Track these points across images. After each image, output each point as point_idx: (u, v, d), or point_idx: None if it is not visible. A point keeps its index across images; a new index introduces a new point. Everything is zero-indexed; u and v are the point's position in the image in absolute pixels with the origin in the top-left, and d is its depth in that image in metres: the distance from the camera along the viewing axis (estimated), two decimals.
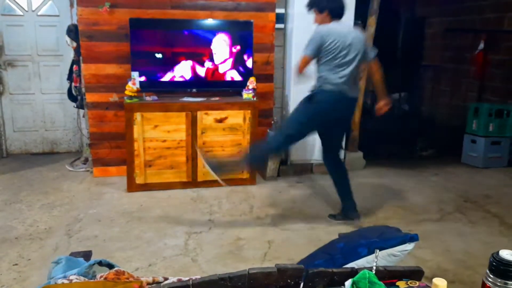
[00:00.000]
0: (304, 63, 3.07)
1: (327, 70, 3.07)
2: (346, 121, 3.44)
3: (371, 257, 1.35)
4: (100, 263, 1.54)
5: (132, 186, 3.93)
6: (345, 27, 3.20)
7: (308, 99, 3.15)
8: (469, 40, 6.16)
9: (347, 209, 3.38)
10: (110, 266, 1.54)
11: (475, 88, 6.02)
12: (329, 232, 3.16)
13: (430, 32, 7.15)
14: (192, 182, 4.05)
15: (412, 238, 1.44)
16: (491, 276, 1.03)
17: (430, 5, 7.01)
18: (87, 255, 1.90)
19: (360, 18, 4.77)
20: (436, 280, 1.01)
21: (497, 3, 5.66)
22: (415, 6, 7.38)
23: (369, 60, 3.23)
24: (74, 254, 1.88)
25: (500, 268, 1.02)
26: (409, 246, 1.42)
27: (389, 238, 1.44)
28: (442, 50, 6.73)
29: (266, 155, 3.68)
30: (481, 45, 5.66)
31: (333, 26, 3.08)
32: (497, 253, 1.05)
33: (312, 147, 4.56)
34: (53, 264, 1.58)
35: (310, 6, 3.18)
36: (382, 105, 3.30)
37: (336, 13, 3.11)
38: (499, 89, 5.66)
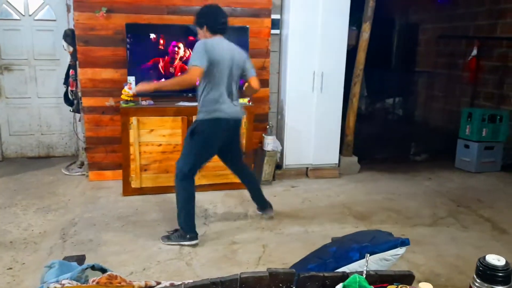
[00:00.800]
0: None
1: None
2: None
3: (363, 261, 1.37)
4: (93, 268, 1.55)
5: (128, 190, 3.94)
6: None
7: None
8: (462, 46, 6.24)
9: (265, 208, 3.49)
10: (103, 270, 1.55)
11: (468, 94, 6.09)
12: (323, 236, 3.19)
13: (423, 38, 7.23)
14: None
15: (404, 242, 1.46)
16: (477, 280, 1.06)
17: (424, 11, 7.08)
18: (80, 259, 1.90)
19: (355, 24, 4.82)
20: (422, 285, 1.04)
21: (490, 10, 5.74)
22: (408, 12, 7.46)
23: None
24: (68, 259, 1.89)
25: (486, 273, 1.05)
26: (400, 251, 1.45)
27: (380, 242, 1.46)
28: (436, 56, 6.80)
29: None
30: (474, 51, 5.72)
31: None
32: (484, 257, 1.07)
33: (307, 151, 4.59)
34: (46, 268, 1.58)
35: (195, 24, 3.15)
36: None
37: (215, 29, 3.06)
38: (492, 95, 5.72)
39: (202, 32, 3.09)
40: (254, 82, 3.19)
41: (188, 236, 3.01)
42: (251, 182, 3.45)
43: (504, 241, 3.20)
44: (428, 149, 5.58)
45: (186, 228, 3.02)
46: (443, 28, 6.64)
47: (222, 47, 3.00)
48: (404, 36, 7.47)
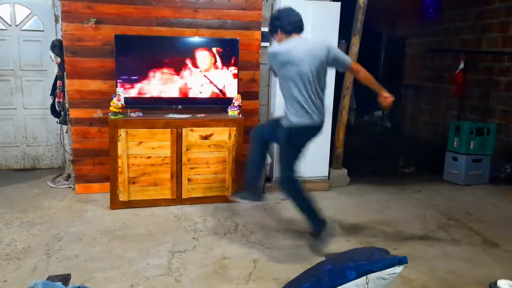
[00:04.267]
0: None
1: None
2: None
3: (359, 280, 1.34)
4: None
5: (115, 203, 3.87)
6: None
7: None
8: (448, 60, 6.34)
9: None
10: None
11: (455, 107, 6.17)
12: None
13: (410, 52, 7.33)
14: (177, 199, 4.00)
15: (401, 260, 1.44)
16: None
17: (410, 26, 7.20)
18: (65, 278, 1.84)
19: (344, 38, 4.86)
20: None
21: (475, 25, 5.85)
22: (395, 27, 7.57)
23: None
24: (52, 278, 1.82)
25: None
26: (398, 269, 1.42)
27: (377, 260, 1.43)
28: (422, 69, 6.90)
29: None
30: (461, 65, 5.82)
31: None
32: (495, 283, 1.05)
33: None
34: None
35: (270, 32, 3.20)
36: (383, 98, 3.25)
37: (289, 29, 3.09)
38: (478, 108, 5.81)
39: (276, 37, 3.13)
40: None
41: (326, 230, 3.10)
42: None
43: (495, 255, 3.20)
44: (416, 162, 5.61)
45: (318, 226, 3.12)
46: (429, 42, 6.75)
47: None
48: (391, 49, 7.57)
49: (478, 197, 4.60)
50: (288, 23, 3.05)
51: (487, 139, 5.09)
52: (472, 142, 5.03)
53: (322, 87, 3.09)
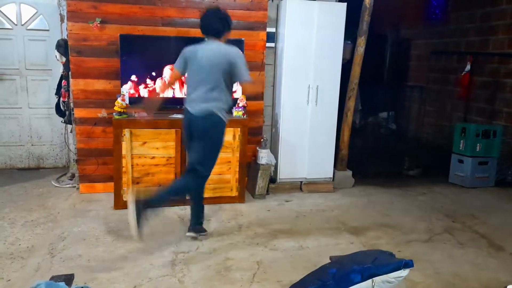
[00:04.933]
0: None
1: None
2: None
3: (364, 284, 1.33)
4: None
5: (119, 204, 3.86)
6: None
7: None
8: (453, 62, 6.30)
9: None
10: None
11: (460, 109, 6.13)
12: (319, 252, 3.15)
13: (415, 53, 7.29)
14: (180, 200, 3.99)
15: (407, 264, 1.42)
16: None
17: (415, 27, 7.16)
18: (68, 278, 1.83)
19: (350, 39, 4.84)
20: None
21: (481, 26, 5.81)
22: (401, 28, 7.54)
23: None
24: (55, 278, 1.81)
25: None
26: (403, 273, 1.40)
27: (383, 264, 1.42)
28: (428, 71, 6.86)
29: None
30: (468, 67, 5.78)
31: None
32: None
33: (301, 165, 4.55)
34: None
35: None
36: None
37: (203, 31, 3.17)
38: (484, 110, 5.76)
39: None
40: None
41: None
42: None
43: (501, 258, 3.17)
44: (421, 164, 5.58)
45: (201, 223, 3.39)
46: (434, 44, 6.71)
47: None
48: (396, 51, 7.53)
49: (484, 200, 4.57)
50: (201, 25, 3.15)
51: (493, 141, 5.05)
52: (478, 144, 4.99)
53: (216, 86, 3.06)
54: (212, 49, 3.08)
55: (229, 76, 3.07)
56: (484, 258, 3.17)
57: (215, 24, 3.09)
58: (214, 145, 3.13)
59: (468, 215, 4.07)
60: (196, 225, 3.35)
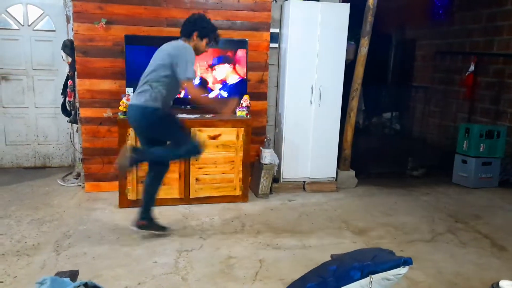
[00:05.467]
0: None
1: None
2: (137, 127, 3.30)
3: (364, 281, 1.35)
4: (86, 285, 1.52)
5: (124, 202, 3.90)
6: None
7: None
8: (458, 62, 6.29)
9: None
10: None
11: (465, 109, 6.12)
12: (321, 251, 3.16)
13: (420, 54, 7.28)
14: (184, 199, 4.03)
15: (406, 262, 1.43)
16: None
17: (420, 27, 7.15)
18: (73, 274, 1.85)
19: (353, 39, 4.85)
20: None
21: (486, 27, 5.80)
22: (405, 28, 7.53)
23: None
24: (60, 274, 1.84)
25: None
26: (403, 270, 1.42)
27: (382, 261, 1.43)
28: (432, 71, 6.85)
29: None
30: (472, 67, 5.77)
31: None
32: (497, 283, 1.05)
33: (304, 165, 4.58)
34: (37, 285, 1.54)
35: None
36: None
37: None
38: (488, 110, 5.75)
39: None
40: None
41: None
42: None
43: (504, 259, 3.18)
44: (425, 164, 5.58)
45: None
46: (439, 44, 6.71)
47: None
48: (401, 51, 7.53)
49: (487, 200, 4.57)
50: None
51: (497, 142, 5.05)
52: (482, 145, 4.99)
53: (156, 79, 3.11)
54: (164, 47, 3.18)
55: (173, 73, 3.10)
56: (487, 258, 3.18)
57: (185, 26, 3.23)
58: (156, 128, 3.18)
59: (471, 215, 4.08)
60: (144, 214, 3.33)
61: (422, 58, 7.24)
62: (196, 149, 3.28)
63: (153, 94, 3.09)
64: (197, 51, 3.23)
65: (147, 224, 3.32)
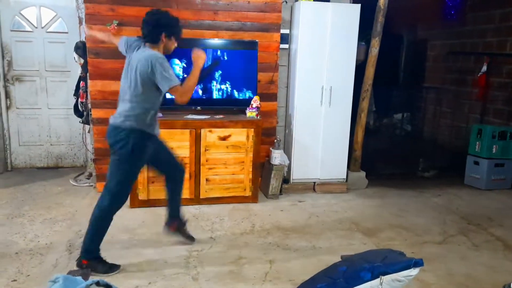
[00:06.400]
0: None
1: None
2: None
3: (374, 282, 1.34)
4: (97, 284, 1.53)
5: (135, 202, 3.93)
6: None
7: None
8: (470, 63, 6.23)
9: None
10: (108, 286, 1.53)
11: (477, 110, 6.05)
12: (331, 252, 3.16)
13: (432, 54, 7.22)
14: (195, 199, 4.05)
15: (417, 263, 1.43)
16: None
17: (432, 28, 7.09)
18: (85, 274, 1.88)
19: (364, 40, 4.83)
20: None
21: (499, 27, 5.73)
22: (417, 28, 7.48)
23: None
24: (72, 273, 1.86)
25: None
26: (413, 271, 1.41)
27: (393, 262, 1.43)
28: (444, 72, 6.79)
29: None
30: (484, 68, 5.71)
31: None
32: (510, 285, 1.04)
33: (314, 166, 4.57)
34: (50, 283, 1.56)
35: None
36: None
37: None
38: (501, 111, 5.68)
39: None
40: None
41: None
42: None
43: None
44: (436, 166, 5.53)
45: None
46: (451, 45, 6.64)
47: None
48: (412, 52, 7.47)
49: (500, 202, 4.51)
50: None
51: (510, 143, 4.98)
52: (494, 146, 4.93)
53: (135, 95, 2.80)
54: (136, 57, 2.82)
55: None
56: (499, 261, 3.14)
57: (148, 29, 2.83)
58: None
59: (483, 217, 4.03)
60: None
61: (433, 58, 7.18)
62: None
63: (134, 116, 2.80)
64: (168, 51, 2.92)
65: (179, 227, 3.20)
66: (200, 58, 2.86)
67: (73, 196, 4.21)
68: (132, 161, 2.81)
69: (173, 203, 3.23)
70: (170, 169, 3.16)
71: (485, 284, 2.78)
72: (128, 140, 2.74)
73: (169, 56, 3.90)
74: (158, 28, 2.82)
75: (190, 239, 3.27)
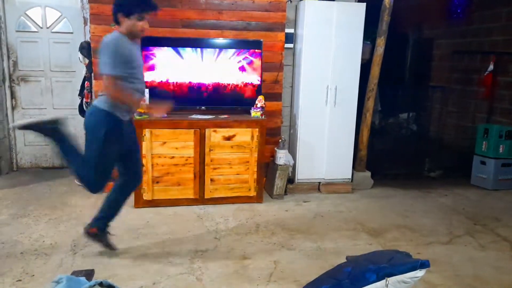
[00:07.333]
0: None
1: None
2: None
3: (380, 283, 1.33)
4: (101, 284, 1.53)
5: (139, 202, 3.94)
6: None
7: None
8: (477, 62, 6.17)
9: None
10: (111, 287, 1.53)
11: (483, 109, 6.00)
12: (336, 252, 3.14)
13: (437, 53, 7.17)
14: (199, 199, 4.04)
15: (423, 264, 1.41)
16: None
17: (438, 27, 7.04)
18: (89, 274, 1.87)
19: (369, 39, 4.80)
20: None
21: (506, 26, 5.68)
22: (422, 27, 7.43)
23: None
24: (76, 273, 1.86)
25: None
26: (419, 273, 1.39)
27: (398, 264, 1.41)
28: (450, 71, 6.74)
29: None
30: (491, 67, 5.66)
31: None
32: None
33: (319, 166, 4.55)
34: (53, 284, 1.56)
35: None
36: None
37: None
38: (508, 111, 5.62)
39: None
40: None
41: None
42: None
43: None
44: (442, 165, 5.49)
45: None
46: (457, 43, 6.59)
47: None
48: (418, 50, 7.42)
49: (507, 203, 4.46)
50: None
51: None
52: (501, 146, 4.89)
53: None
54: None
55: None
56: (506, 262, 3.11)
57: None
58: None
59: (490, 217, 3.99)
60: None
61: (439, 57, 7.13)
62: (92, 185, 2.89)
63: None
64: (135, 35, 2.74)
65: (98, 234, 3.01)
66: (156, 112, 3.05)
67: (78, 196, 4.22)
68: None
69: (110, 211, 3.06)
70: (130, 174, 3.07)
71: (493, 285, 2.75)
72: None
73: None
74: (115, 7, 2.68)
75: (110, 247, 3.04)
